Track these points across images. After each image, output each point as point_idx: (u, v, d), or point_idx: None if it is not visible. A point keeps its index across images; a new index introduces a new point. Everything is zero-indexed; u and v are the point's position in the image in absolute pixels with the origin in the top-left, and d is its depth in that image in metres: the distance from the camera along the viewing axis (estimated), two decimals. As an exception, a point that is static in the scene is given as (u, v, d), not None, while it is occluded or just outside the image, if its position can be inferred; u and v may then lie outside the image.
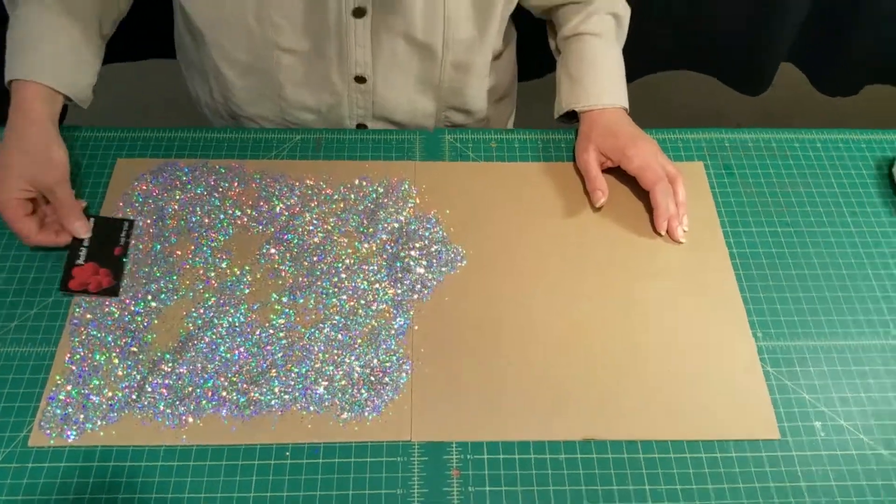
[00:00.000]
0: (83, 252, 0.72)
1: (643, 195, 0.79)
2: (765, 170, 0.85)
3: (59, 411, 0.63)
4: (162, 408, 0.64)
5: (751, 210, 0.81)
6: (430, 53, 0.82)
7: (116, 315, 0.69)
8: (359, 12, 0.76)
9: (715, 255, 0.76)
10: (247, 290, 0.71)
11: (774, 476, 0.63)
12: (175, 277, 0.72)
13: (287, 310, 0.70)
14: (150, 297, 0.70)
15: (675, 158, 0.84)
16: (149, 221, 0.75)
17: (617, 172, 0.81)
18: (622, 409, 0.66)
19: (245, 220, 0.76)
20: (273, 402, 0.65)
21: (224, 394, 0.65)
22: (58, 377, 0.65)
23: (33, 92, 0.72)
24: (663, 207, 0.76)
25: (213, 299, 0.70)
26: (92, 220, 0.74)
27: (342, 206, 0.78)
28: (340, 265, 0.73)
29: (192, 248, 0.74)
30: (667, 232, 0.77)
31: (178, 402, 0.64)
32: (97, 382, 0.65)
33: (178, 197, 0.77)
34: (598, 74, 0.82)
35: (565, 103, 0.83)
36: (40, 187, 0.70)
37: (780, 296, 0.74)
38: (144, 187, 0.78)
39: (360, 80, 0.83)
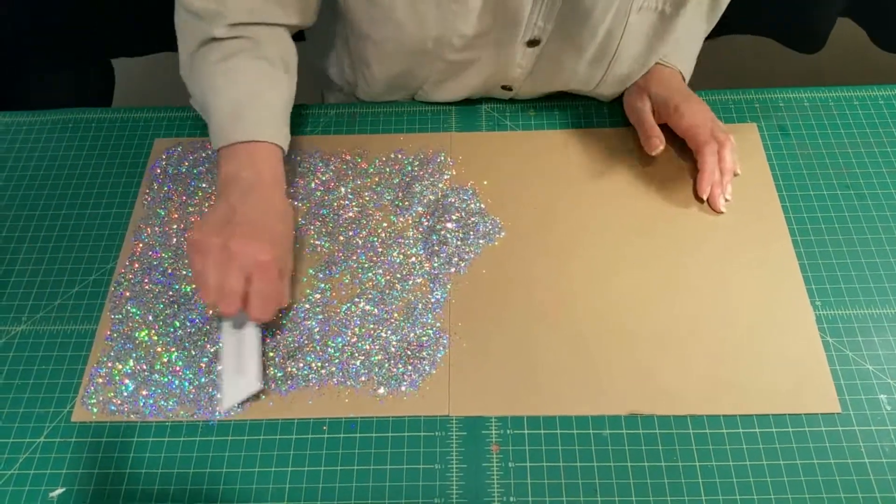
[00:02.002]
0: None
1: (691, 160, 0.75)
2: (822, 130, 0.80)
3: (100, 387, 0.64)
4: (201, 382, 0.64)
5: (808, 173, 0.76)
6: (588, 77, 0.77)
7: (157, 292, 0.69)
8: (532, 43, 0.72)
9: (770, 220, 0.72)
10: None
11: (835, 452, 0.59)
12: (212, 254, 0.71)
13: (323, 285, 0.69)
14: (189, 275, 0.70)
15: (727, 120, 0.80)
16: (184, 199, 0.75)
17: (664, 134, 0.77)
18: (670, 383, 0.63)
19: (280, 196, 0.75)
20: (310, 377, 0.64)
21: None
22: (99, 354, 0.66)
23: (272, 153, 0.67)
24: (710, 171, 0.72)
25: (249, 275, 0.70)
26: None
27: (377, 179, 0.76)
28: (376, 239, 0.72)
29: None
30: (708, 201, 0.73)
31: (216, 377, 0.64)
32: (137, 358, 0.65)
33: (213, 176, 0.77)
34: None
35: None
36: None
37: (840, 262, 0.70)
38: (178, 167, 0.78)
39: (507, 88, 0.80)
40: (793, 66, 1.26)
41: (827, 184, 0.75)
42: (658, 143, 0.74)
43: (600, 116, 0.81)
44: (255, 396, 0.63)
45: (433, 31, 0.70)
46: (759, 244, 0.70)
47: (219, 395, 0.62)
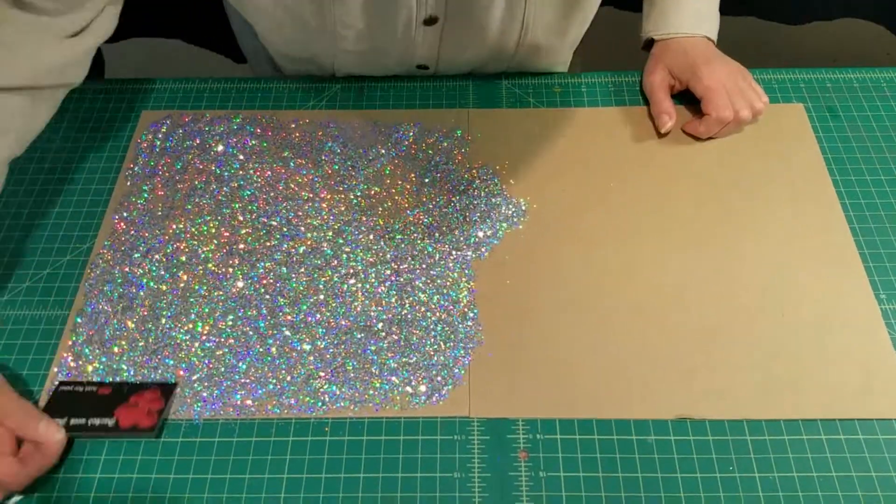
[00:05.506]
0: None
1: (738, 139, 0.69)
2: (875, 112, 0.73)
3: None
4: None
5: (862, 157, 0.69)
6: (500, 50, 0.72)
7: (137, 275, 0.61)
8: (430, 21, 0.66)
9: (825, 207, 0.65)
10: (277, 256, 0.63)
11: (915, 463, 0.52)
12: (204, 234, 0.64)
13: (323, 266, 0.61)
14: (174, 259, 0.62)
15: (770, 101, 0.73)
16: (172, 174, 0.67)
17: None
18: (723, 384, 0.55)
19: (282, 173, 0.68)
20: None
21: (255, 363, 0.57)
22: (70, 343, 0.58)
23: None
24: (704, 131, 0.68)
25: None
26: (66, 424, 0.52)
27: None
28: (382, 220, 0.64)
29: (219, 203, 0.66)
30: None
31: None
32: (114, 349, 0.57)
33: (203, 151, 0.69)
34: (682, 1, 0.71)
35: (643, 31, 0.74)
36: None
37: (905, 253, 0.63)
38: (166, 141, 0.70)
39: (422, 67, 0.74)
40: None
41: (884, 168, 0.68)
42: (667, 119, 0.69)
43: (632, 94, 0.74)
44: None
45: (312, 19, 0.65)
46: (815, 233, 0.63)
47: None
